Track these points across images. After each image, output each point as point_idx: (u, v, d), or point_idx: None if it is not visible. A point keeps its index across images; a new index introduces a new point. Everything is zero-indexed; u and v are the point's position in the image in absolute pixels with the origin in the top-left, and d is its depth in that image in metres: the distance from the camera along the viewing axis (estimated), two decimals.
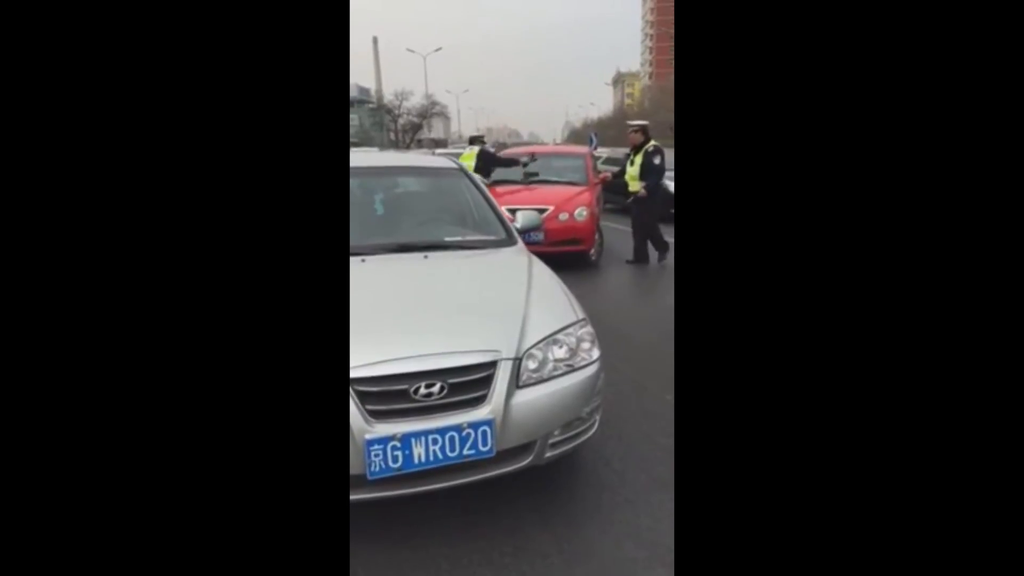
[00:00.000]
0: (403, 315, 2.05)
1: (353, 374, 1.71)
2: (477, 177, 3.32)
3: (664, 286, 5.60)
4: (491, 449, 1.78)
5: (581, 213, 6.15)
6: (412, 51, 47.16)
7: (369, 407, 1.71)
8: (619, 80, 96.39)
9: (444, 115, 50.36)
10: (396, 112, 43.51)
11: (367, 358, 1.74)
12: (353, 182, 3.12)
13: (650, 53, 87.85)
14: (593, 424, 2.14)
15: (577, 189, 6.67)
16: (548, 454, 1.96)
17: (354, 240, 2.58)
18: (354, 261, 2.43)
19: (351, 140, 33.12)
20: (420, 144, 37.21)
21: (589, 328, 2.15)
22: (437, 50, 47.71)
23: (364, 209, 3.02)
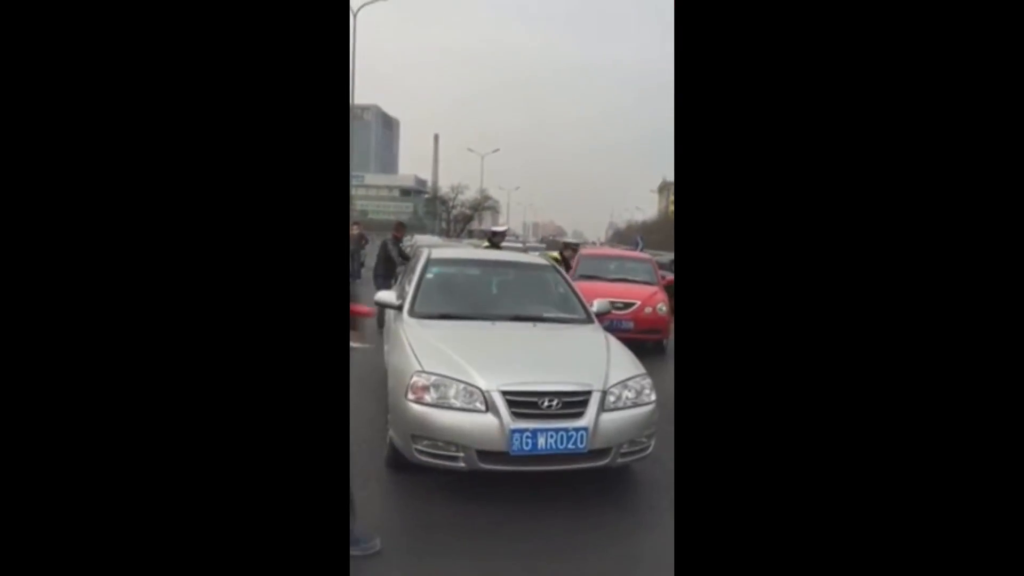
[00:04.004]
0: (530, 358, 3.17)
1: (505, 388, 2.78)
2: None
3: None
4: (585, 447, 2.79)
5: (662, 308, 7.10)
6: (471, 151, 50.54)
7: (513, 411, 2.76)
8: (664, 188, 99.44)
9: (495, 209, 53.48)
10: (451, 203, 46.60)
11: (513, 381, 2.82)
12: (476, 270, 4.36)
13: None
14: (649, 447, 3.12)
15: (653, 288, 7.55)
16: (619, 460, 2.95)
17: (482, 310, 3.76)
18: (486, 324, 3.58)
19: (411, 226, 35.31)
20: (471, 234, 39.47)
21: (649, 380, 3.19)
22: (495, 151, 50.92)
23: (485, 289, 4.23)
